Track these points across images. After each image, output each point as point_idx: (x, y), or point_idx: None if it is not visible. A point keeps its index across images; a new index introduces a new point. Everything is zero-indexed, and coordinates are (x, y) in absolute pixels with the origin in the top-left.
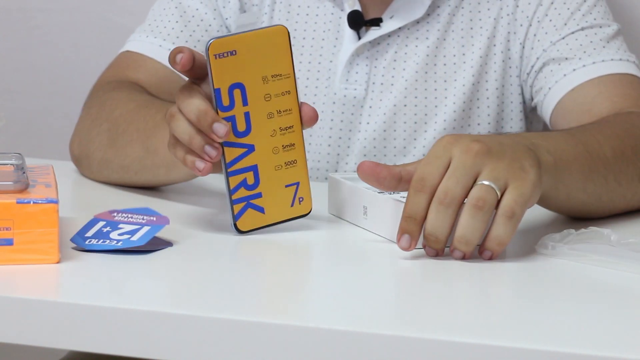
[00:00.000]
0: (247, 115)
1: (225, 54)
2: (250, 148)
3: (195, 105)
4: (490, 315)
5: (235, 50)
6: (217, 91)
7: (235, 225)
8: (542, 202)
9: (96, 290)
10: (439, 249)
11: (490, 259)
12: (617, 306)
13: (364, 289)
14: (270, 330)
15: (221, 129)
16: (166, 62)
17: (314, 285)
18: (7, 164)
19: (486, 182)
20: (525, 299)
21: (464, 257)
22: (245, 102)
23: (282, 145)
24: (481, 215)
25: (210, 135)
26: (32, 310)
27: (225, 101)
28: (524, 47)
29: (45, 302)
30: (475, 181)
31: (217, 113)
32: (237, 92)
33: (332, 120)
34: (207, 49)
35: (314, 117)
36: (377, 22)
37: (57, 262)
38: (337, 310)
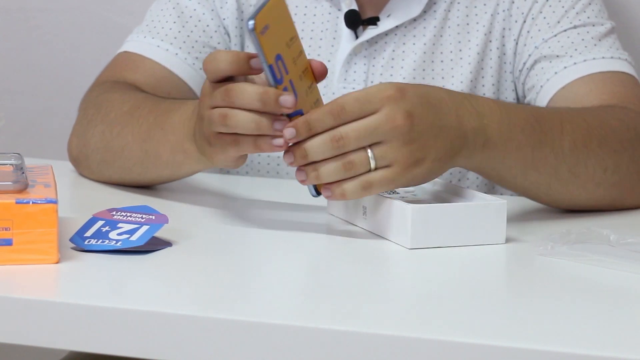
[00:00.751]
0: (291, 82)
1: (265, 29)
2: (301, 112)
3: (250, 91)
4: (489, 315)
5: (268, 24)
6: (271, 67)
7: (315, 189)
8: (480, 174)
9: (96, 290)
10: (300, 162)
11: (329, 197)
12: (617, 306)
13: (363, 289)
14: (270, 330)
15: (288, 99)
16: (164, 62)
17: (313, 285)
18: (7, 164)
19: (370, 156)
20: (525, 299)
21: (302, 182)
22: (287, 71)
23: (313, 102)
24: (342, 174)
25: (279, 110)
26: (32, 310)
27: (278, 74)
28: (517, 44)
29: (45, 302)
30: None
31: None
32: (279, 64)
33: None
34: (254, 28)
35: (325, 71)
36: (374, 21)
37: (57, 262)
38: (336, 310)
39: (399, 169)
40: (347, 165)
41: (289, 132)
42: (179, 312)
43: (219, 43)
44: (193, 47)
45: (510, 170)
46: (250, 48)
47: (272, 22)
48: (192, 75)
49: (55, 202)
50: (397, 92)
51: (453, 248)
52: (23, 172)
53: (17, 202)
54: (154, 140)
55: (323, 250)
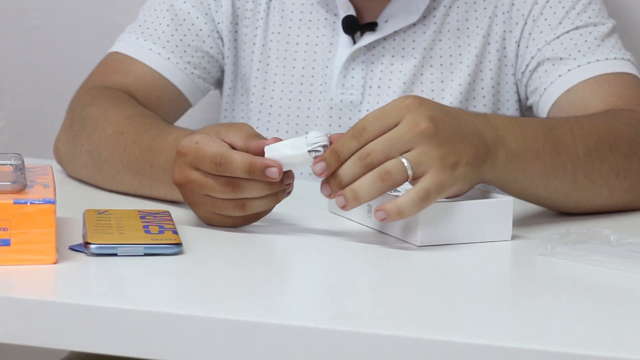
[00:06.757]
0: None
1: None
2: None
3: (239, 161)
4: (490, 315)
5: None
6: None
7: None
8: (502, 189)
9: (96, 290)
10: (337, 191)
11: (383, 220)
12: (617, 306)
13: (363, 289)
14: (269, 330)
15: (274, 170)
16: (156, 67)
17: (313, 285)
18: (6, 164)
19: (404, 162)
20: (525, 299)
21: (344, 207)
22: None
23: None
24: (380, 186)
25: (265, 179)
26: (32, 311)
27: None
28: (519, 46)
29: (45, 302)
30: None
31: None
32: None
33: (329, 125)
34: None
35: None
36: (372, 26)
37: (55, 263)
38: (336, 310)
39: (439, 172)
40: (383, 175)
41: (319, 166)
42: (179, 312)
43: (211, 48)
44: (185, 51)
45: (532, 180)
46: (240, 58)
47: None
48: (183, 80)
49: (54, 202)
50: (415, 100)
51: (458, 245)
52: (22, 173)
53: (14, 203)
54: (146, 175)
55: (323, 249)
